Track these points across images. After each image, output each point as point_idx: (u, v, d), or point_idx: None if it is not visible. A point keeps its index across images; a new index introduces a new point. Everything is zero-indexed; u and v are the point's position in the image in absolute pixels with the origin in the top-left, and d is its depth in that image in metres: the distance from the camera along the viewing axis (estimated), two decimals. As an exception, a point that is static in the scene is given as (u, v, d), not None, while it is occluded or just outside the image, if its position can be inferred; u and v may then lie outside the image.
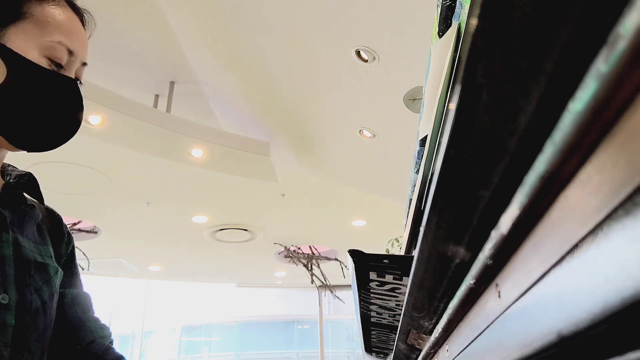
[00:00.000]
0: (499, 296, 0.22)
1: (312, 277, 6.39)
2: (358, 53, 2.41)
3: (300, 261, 6.25)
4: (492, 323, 0.24)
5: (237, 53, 2.89)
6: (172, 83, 3.63)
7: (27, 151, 0.66)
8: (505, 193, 0.19)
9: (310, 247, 6.18)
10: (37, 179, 0.73)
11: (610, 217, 0.12)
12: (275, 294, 10.53)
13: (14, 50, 0.60)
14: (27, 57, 0.60)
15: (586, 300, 0.13)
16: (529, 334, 0.18)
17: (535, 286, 0.18)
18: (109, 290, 8.68)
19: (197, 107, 3.94)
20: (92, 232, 4.97)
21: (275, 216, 5.05)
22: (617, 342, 0.13)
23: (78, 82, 0.68)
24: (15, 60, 0.59)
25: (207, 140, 3.47)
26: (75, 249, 0.80)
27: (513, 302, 0.20)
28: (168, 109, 3.56)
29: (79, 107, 0.67)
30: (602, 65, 0.11)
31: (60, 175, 3.59)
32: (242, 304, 10.56)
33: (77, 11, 0.68)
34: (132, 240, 5.66)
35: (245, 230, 5.34)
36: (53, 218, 0.76)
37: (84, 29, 0.69)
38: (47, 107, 0.63)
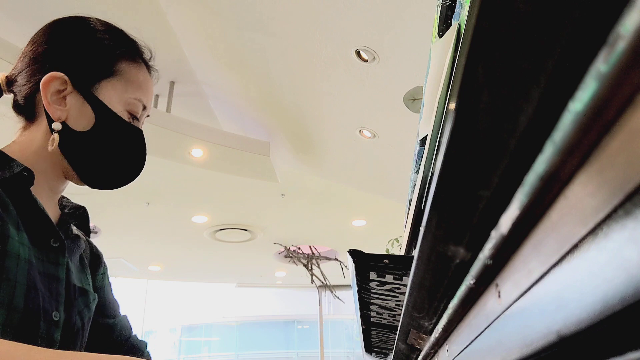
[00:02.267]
0: (499, 296, 0.22)
1: (312, 277, 6.39)
2: (358, 53, 2.41)
3: (300, 261, 6.25)
4: (492, 323, 0.24)
5: (237, 53, 2.89)
6: (172, 83, 3.63)
7: (90, 187, 0.74)
8: (505, 193, 0.19)
9: (310, 247, 6.18)
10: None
11: (610, 217, 0.12)
12: (275, 293, 10.53)
13: (104, 102, 0.69)
14: (113, 109, 0.69)
15: (586, 300, 0.13)
16: (529, 334, 0.18)
17: (535, 286, 0.18)
18: (109, 290, 8.66)
19: (197, 107, 3.94)
20: (92, 232, 4.97)
21: (275, 216, 5.05)
22: (617, 342, 0.13)
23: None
24: (103, 111, 0.68)
25: (207, 140, 3.47)
26: None
27: (513, 302, 0.20)
28: (168, 109, 3.56)
29: (144, 155, 0.76)
30: (602, 65, 0.11)
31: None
32: (242, 304, 10.56)
33: (150, 70, 0.78)
34: (132, 240, 5.66)
35: (245, 230, 5.34)
36: (93, 252, 0.83)
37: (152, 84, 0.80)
38: (120, 153, 0.72)
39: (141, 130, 0.75)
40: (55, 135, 0.66)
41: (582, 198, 0.14)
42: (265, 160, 3.68)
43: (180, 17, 2.84)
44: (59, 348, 0.62)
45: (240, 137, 3.70)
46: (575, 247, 0.14)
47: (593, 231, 0.13)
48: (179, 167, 3.71)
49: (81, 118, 0.67)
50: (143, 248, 6.04)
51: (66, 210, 0.76)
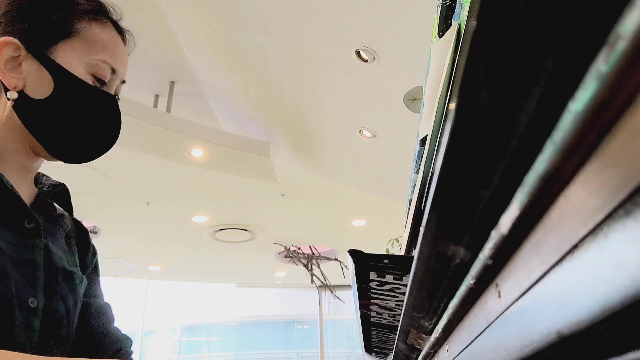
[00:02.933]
0: (499, 296, 0.22)
1: (312, 277, 6.39)
2: (358, 53, 2.41)
3: (300, 261, 6.25)
4: (492, 323, 0.24)
5: (237, 53, 2.89)
6: (172, 83, 3.63)
7: (64, 162, 0.69)
8: (505, 193, 0.19)
9: (310, 247, 6.18)
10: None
11: (610, 217, 0.12)
12: (275, 293, 10.53)
13: (62, 65, 0.63)
14: (74, 72, 0.64)
15: (586, 300, 0.13)
16: (529, 334, 0.18)
17: (535, 286, 0.18)
18: (109, 290, 8.67)
19: (197, 107, 3.94)
20: (92, 232, 4.97)
21: (275, 216, 5.05)
22: (617, 342, 0.13)
23: (117, 98, 0.72)
24: (62, 75, 0.63)
25: (207, 140, 3.47)
26: None
27: (513, 302, 0.20)
28: (168, 109, 3.56)
29: (118, 123, 0.71)
30: (602, 65, 0.11)
31: (60, 175, 3.57)
32: (242, 304, 10.56)
33: (120, 31, 0.72)
34: (132, 240, 5.66)
35: (245, 230, 5.34)
36: (80, 230, 0.78)
37: (125, 47, 0.73)
38: (88, 121, 0.67)
39: (112, 96, 0.69)
40: (9, 104, 0.62)
41: (582, 198, 0.14)
42: (265, 160, 3.68)
43: (180, 17, 2.84)
44: (41, 337, 0.58)
45: (240, 137, 3.70)
46: (575, 247, 0.14)
47: (593, 231, 0.13)
48: (179, 167, 3.71)
49: (39, 85, 0.62)
50: (143, 248, 6.04)
51: (45, 189, 0.71)
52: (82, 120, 0.66)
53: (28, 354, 0.48)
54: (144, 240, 5.72)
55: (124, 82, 0.73)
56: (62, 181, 0.79)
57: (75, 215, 0.81)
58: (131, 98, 3.21)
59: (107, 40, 0.68)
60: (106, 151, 0.71)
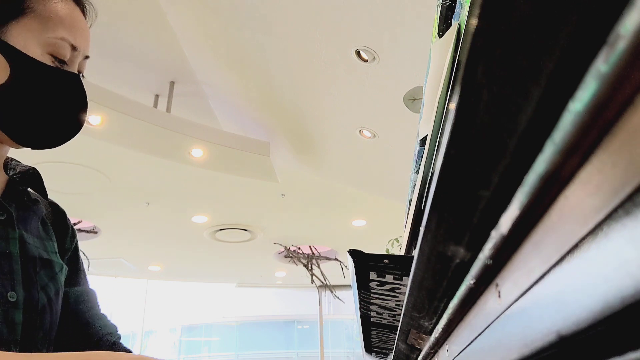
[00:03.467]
0: (499, 296, 0.22)
1: (312, 277, 6.39)
2: (358, 53, 2.41)
3: (300, 261, 6.25)
4: (492, 323, 0.24)
5: (237, 53, 2.89)
6: (172, 83, 3.63)
7: (31, 148, 0.65)
8: (505, 193, 0.19)
9: (310, 247, 6.18)
10: None
11: (610, 217, 0.12)
12: (275, 293, 10.53)
13: (16, 47, 0.59)
14: (30, 54, 0.59)
15: (586, 300, 0.13)
16: (529, 334, 0.18)
17: (535, 286, 0.18)
18: (109, 290, 8.68)
19: (197, 107, 3.94)
20: (92, 232, 4.97)
21: (275, 216, 5.05)
22: (617, 342, 0.13)
23: (80, 75, 0.67)
24: (17, 58, 0.59)
25: (207, 140, 3.47)
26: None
27: (513, 302, 0.20)
28: (168, 109, 3.56)
29: (83, 103, 0.66)
30: (602, 65, 0.11)
31: (60, 175, 3.59)
32: (242, 304, 10.55)
33: (78, 2, 0.67)
34: (132, 240, 5.66)
35: (245, 230, 5.34)
36: (57, 212, 0.75)
37: (85, 19, 0.68)
38: (51, 104, 0.63)
39: (75, 75, 0.65)
40: None
41: (582, 198, 0.14)
42: (265, 160, 3.68)
43: (180, 17, 2.84)
44: (24, 330, 0.57)
45: (240, 137, 3.70)
46: (575, 247, 0.14)
47: (593, 231, 0.13)
48: (179, 167, 3.71)
49: None
50: (143, 248, 6.04)
51: (15, 176, 0.68)
52: (44, 104, 0.62)
53: (11, 353, 0.47)
54: (144, 240, 5.72)
55: (87, 57, 0.68)
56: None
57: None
58: (131, 98, 3.21)
59: (64, 15, 0.63)
60: (73, 135, 0.67)
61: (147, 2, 2.73)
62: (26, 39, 0.59)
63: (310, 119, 3.34)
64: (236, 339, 10.65)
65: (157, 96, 3.75)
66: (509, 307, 0.21)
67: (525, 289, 0.19)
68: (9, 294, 0.56)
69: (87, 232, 4.93)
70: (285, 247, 6.04)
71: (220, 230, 5.29)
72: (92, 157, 3.40)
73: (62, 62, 0.63)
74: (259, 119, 3.75)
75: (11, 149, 0.67)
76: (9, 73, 0.58)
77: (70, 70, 0.64)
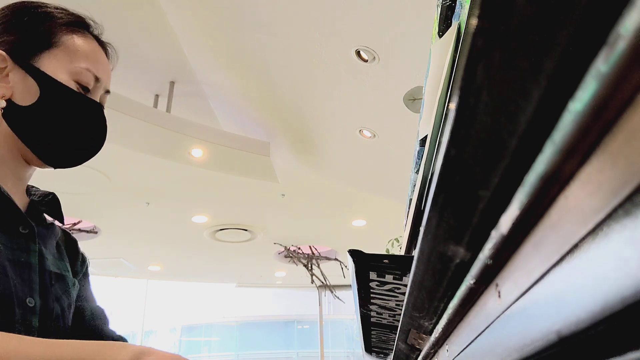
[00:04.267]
0: (499, 296, 0.22)
1: (312, 277, 6.39)
2: (358, 53, 2.41)
3: (300, 261, 6.25)
4: (492, 323, 0.24)
5: (237, 53, 2.89)
6: (172, 83, 3.63)
7: (54, 168, 0.72)
8: (505, 193, 0.19)
9: (310, 247, 6.18)
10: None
11: (610, 217, 0.12)
12: (275, 294, 10.53)
13: (46, 72, 0.67)
14: (58, 79, 0.67)
15: (586, 300, 0.13)
16: (529, 334, 0.18)
17: (535, 286, 0.18)
18: (109, 290, 8.68)
19: (197, 107, 3.94)
20: (92, 232, 4.97)
21: (275, 216, 5.05)
22: (617, 342, 0.13)
23: (101, 106, 0.75)
24: (46, 82, 0.67)
25: (207, 140, 3.47)
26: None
27: (513, 302, 0.20)
28: (168, 109, 3.56)
29: (103, 129, 0.74)
30: (602, 65, 0.11)
31: (60, 175, 3.59)
32: (242, 304, 10.55)
33: (102, 44, 0.76)
34: (132, 240, 5.66)
35: (245, 230, 5.34)
36: (69, 239, 0.81)
37: (108, 60, 0.77)
38: (74, 125, 0.70)
39: (97, 102, 0.73)
40: None
41: (582, 198, 0.14)
42: (265, 160, 3.68)
43: (180, 17, 2.84)
44: (39, 336, 0.60)
45: (240, 137, 3.70)
46: (575, 247, 0.14)
47: (593, 231, 0.13)
48: (179, 167, 3.71)
49: (26, 92, 0.66)
50: (143, 248, 6.04)
51: (35, 199, 0.74)
52: (68, 125, 0.69)
53: (32, 337, 0.49)
54: (144, 240, 5.72)
55: (108, 92, 0.77)
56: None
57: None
58: (131, 98, 3.21)
59: (88, 51, 0.72)
60: (92, 156, 0.74)
61: (147, 2, 2.73)
62: (55, 66, 0.68)
63: (310, 118, 3.34)
64: (236, 339, 10.65)
65: (157, 96, 3.75)
66: (509, 307, 0.21)
67: (525, 289, 0.19)
68: (27, 300, 0.60)
69: (87, 232, 4.92)
70: (285, 247, 6.04)
71: (220, 230, 5.29)
72: (92, 157, 3.40)
73: (86, 89, 0.71)
74: (259, 119, 3.75)
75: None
76: (38, 95, 0.66)
77: (92, 98, 0.72)
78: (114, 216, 4.72)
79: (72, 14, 0.73)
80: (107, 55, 0.77)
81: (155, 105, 3.71)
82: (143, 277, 8.36)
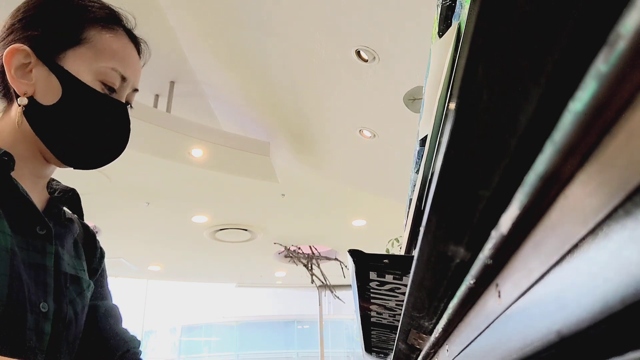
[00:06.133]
0: (499, 296, 0.22)
1: (312, 277, 6.39)
2: (358, 53, 2.41)
3: (300, 261, 6.25)
4: (492, 323, 0.24)
5: (237, 53, 2.89)
6: (172, 83, 3.63)
7: (74, 168, 0.70)
8: (505, 193, 0.19)
9: (310, 247, 6.18)
10: None
11: (610, 217, 0.12)
12: (275, 293, 10.53)
13: (70, 72, 0.64)
14: (82, 79, 0.64)
15: (586, 300, 0.13)
16: (529, 334, 0.18)
17: (535, 286, 0.18)
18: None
19: (197, 107, 3.94)
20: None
21: (275, 216, 5.05)
22: (617, 342, 0.13)
23: (128, 106, 0.73)
24: (70, 82, 0.64)
25: (207, 140, 3.47)
26: None
27: (513, 302, 0.20)
28: (168, 109, 3.56)
29: (127, 130, 0.71)
30: (602, 65, 0.11)
31: (60, 175, 3.57)
32: (242, 304, 10.55)
33: (134, 40, 0.73)
34: (132, 240, 5.66)
35: (245, 230, 5.34)
36: (88, 233, 0.79)
37: (139, 57, 0.75)
38: (96, 127, 0.67)
39: (121, 102, 0.70)
40: (19, 110, 0.63)
41: (582, 198, 0.14)
42: (265, 160, 3.68)
43: (180, 17, 2.84)
44: (50, 340, 0.60)
45: (240, 137, 3.70)
46: (575, 247, 0.14)
47: (593, 231, 0.13)
48: (179, 167, 3.71)
49: (48, 91, 0.63)
50: (143, 248, 6.04)
51: (56, 194, 0.72)
52: (89, 126, 0.66)
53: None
54: (144, 240, 5.72)
55: (136, 90, 0.74)
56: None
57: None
58: (131, 98, 3.21)
59: (117, 48, 0.68)
60: (115, 158, 0.72)
61: (147, 2, 2.73)
62: (79, 66, 0.65)
63: (310, 118, 3.34)
64: (236, 339, 10.65)
65: (157, 96, 3.75)
66: (509, 307, 0.21)
67: (525, 289, 0.19)
68: (41, 305, 0.60)
69: (87, 232, 4.92)
70: (285, 247, 6.04)
71: (220, 230, 5.29)
72: (92, 157, 3.40)
73: (112, 89, 0.68)
74: (259, 119, 3.75)
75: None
76: (60, 95, 0.64)
77: (118, 98, 0.69)
78: (114, 216, 4.72)
79: (104, 8, 0.70)
80: (138, 52, 0.74)
81: (155, 105, 3.71)
82: (143, 277, 8.36)
